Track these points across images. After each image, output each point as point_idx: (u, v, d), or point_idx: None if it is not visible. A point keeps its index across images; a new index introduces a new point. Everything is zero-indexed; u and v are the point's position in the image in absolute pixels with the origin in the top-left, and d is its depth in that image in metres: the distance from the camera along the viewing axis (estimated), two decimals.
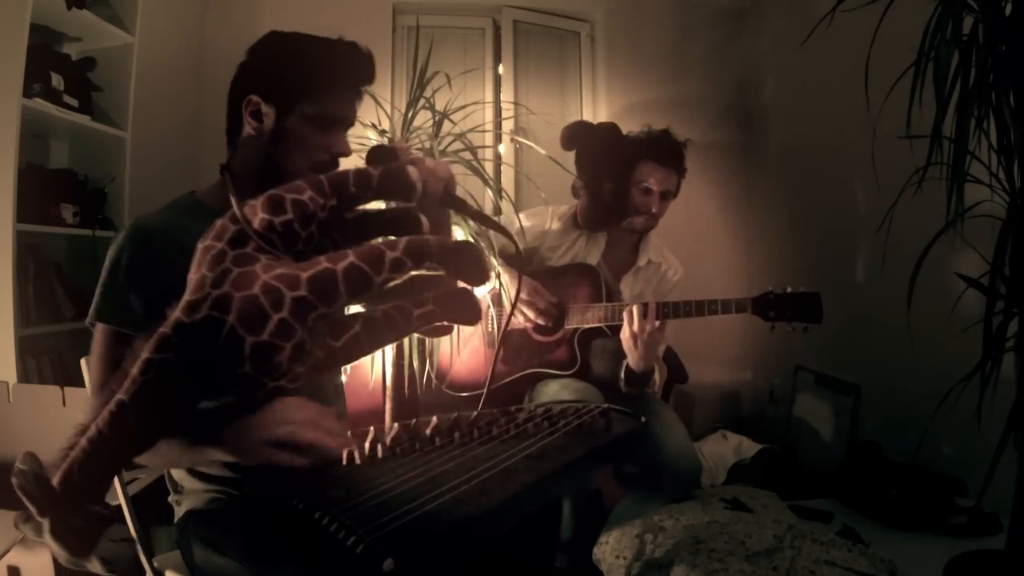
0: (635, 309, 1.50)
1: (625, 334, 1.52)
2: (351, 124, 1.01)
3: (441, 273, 0.70)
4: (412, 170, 0.75)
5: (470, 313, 0.74)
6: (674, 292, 1.82)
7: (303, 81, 0.96)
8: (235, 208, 0.70)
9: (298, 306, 0.62)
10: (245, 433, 0.77)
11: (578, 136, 1.77)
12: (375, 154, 0.94)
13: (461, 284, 0.82)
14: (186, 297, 0.64)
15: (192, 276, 0.67)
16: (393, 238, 0.70)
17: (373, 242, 0.68)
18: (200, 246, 0.69)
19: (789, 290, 1.46)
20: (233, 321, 0.61)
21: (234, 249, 0.67)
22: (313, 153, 0.97)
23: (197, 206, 1.00)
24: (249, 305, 0.62)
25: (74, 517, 0.56)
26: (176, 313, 0.63)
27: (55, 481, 0.57)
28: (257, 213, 0.69)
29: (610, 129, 1.78)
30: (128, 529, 0.59)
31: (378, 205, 0.82)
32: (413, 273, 0.68)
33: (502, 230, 0.84)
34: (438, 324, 0.74)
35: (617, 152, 1.73)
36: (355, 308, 0.77)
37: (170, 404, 0.61)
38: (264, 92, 0.96)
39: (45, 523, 0.55)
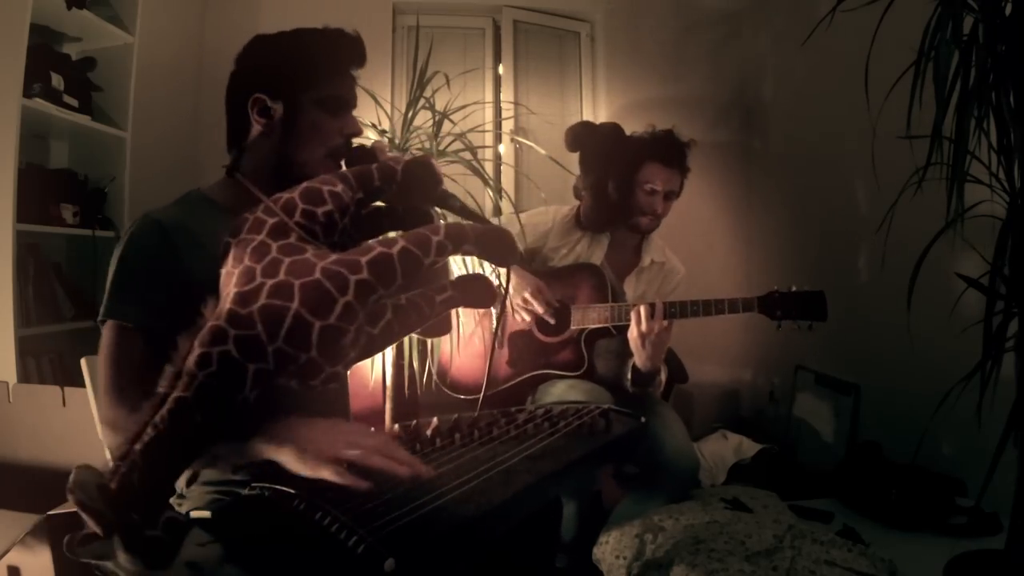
0: (643, 309, 1.50)
1: (633, 334, 1.52)
2: (355, 106, 1.02)
3: (447, 259, 0.72)
4: (436, 162, 0.77)
5: (487, 296, 0.77)
6: (677, 291, 1.82)
7: (306, 70, 0.96)
8: (268, 203, 0.71)
9: (361, 288, 0.64)
10: (312, 444, 0.73)
11: (582, 137, 1.77)
12: (353, 156, 0.94)
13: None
14: (234, 289, 0.64)
15: (230, 270, 0.67)
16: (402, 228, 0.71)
17: (415, 229, 0.70)
18: (232, 241, 0.69)
19: (794, 289, 1.47)
20: (298, 306, 0.62)
21: (276, 240, 0.68)
22: (328, 138, 0.97)
23: (207, 203, 1.00)
24: (314, 290, 0.62)
25: (150, 527, 0.53)
26: (226, 305, 0.63)
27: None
28: (298, 205, 0.70)
29: (614, 129, 1.78)
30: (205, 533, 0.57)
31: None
32: (450, 256, 0.70)
33: (487, 224, 0.85)
34: (436, 322, 0.75)
35: (621, 153, 1.73)
36: None
37: (234, 397, 0.61)
38: (268, 89, 0.96)
39: (116, 540, 0.52)
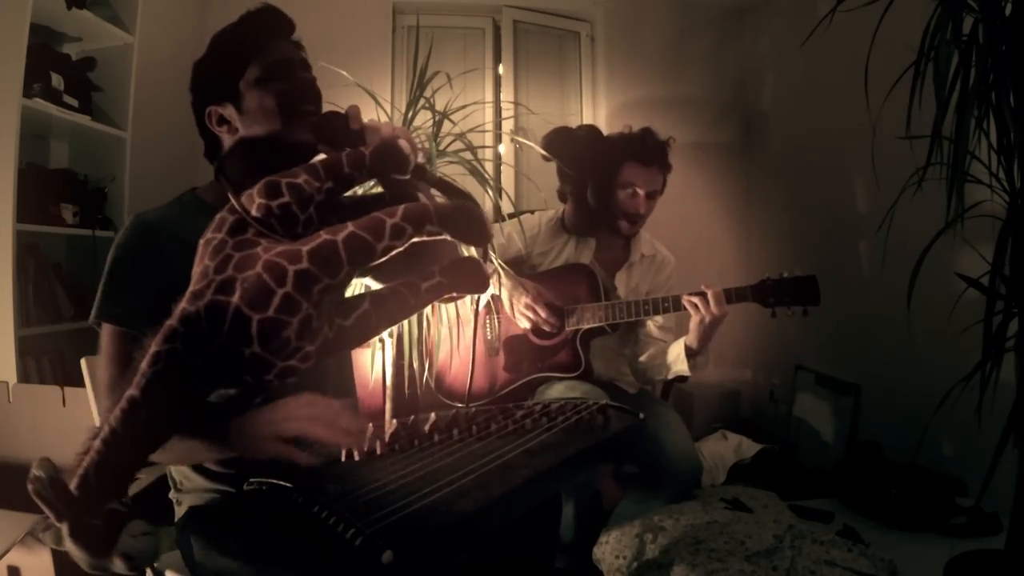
0: (711, 295, 1.49)
1: (703, 320, 1.51)
2: (307, 65, 1.00)
3: (444, 238, 0.70)
4: (404, 143, 0.76)
5: (478, 282, 0.74)
6: (670, 281, 1.81)
7: (232, 60, 0.96)
8: (232, 198, 0.71)
9: (301, 279, 0.63)
10: (251, 428, 0.76)
11: (558, 144, 1.74)
12: (324, 121, 0.91)
13: (466, 253, 0.81)
14: (190, 288, 0.65)
15: (195, 269, 0.67)
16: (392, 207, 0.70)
17: (371, 214, 0.68)
18: (201, 241, 0.69)
19: (785, 275, 1.47)
20: (238, 301, 0.62)
21: (234, 237, 0.68)
22: (285, 108, 0.94)
23: (197, 203, 1.01)
24: (253, 283, 0.62)
25: (92, 518, 0.56)
26: (181, 304, 0.64)
27: (72, 485, 0.57)
28: (255, 199, 0.70)
29: (590, 132, 1.77)
30: (147, 523, 0.60)
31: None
32: (415, 240, 0.68)
33: (466, 197, 0.84)
34: (469, 279, 0.74)
35: (599, 156, 1.72)
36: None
37: (181, 395, 0.62)
38: (214, 98, 0.97)
39: (64, 527, 0.55)
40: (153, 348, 0.61)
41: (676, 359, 1.62)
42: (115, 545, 0.57)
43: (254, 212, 0.69)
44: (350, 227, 0.66)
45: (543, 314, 1.65)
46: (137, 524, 0.59)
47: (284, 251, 0.64)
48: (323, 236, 0.65)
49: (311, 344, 0.64)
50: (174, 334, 0.61)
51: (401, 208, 0.68)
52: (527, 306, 1.66)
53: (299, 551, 0.65)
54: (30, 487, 0.55)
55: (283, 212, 0.70)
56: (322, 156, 0.89)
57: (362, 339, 0.70)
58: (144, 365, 0.61)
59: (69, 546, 0.55)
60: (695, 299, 1.51)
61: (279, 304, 0.62)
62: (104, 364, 0.92)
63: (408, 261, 0.71)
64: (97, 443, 0.59)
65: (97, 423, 0.92)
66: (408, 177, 0.79)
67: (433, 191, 0.95)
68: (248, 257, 0.64)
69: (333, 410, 0.77)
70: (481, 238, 0.72)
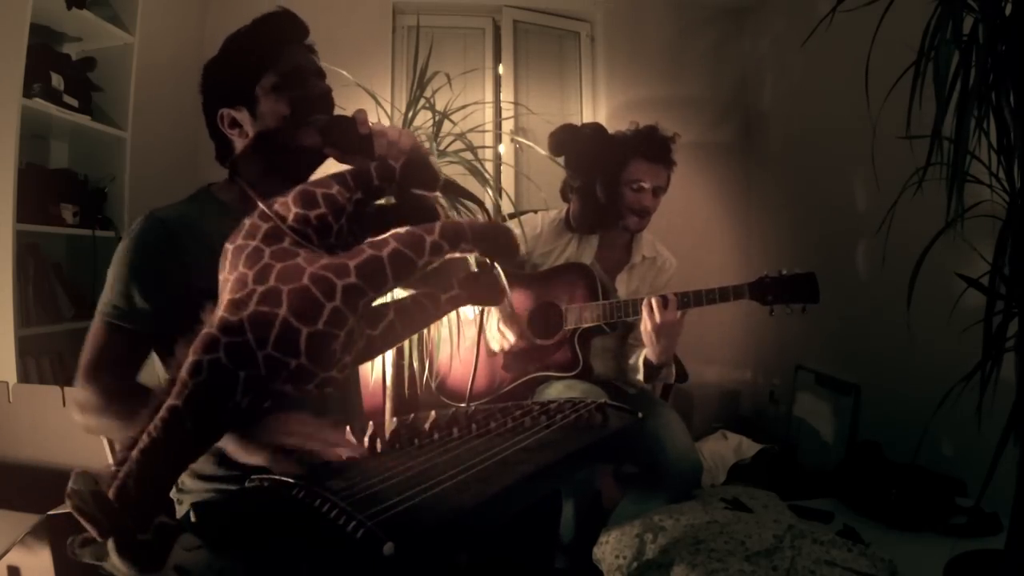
0: (654, 302, 1.49)
1: (647, 327, 1.51)
2: (321, 72, 1.01)
3: (463, 256, 0.71)
4: (434, 160, 0.77)
5: (494, 294, 0.76)
6: (670, 284, 1.81)
7: (248, 65, 0.97)
8: (263, 207, 0.71)
9: (350, 293, 0.63)
10: (257, 435, 0.78)
11: (566, 140, 1.76)
12: (331, 125, 0.93)
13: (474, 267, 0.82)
14: (227, 296, 0.64)
15: (227, 276, 0.67)
16: (427, 224, 0.71)
17: (409, 228, 0.69)
18: (230, 247, 0.69)
19: (784, 272, 1.46)
20: (285, 314, 0.62)
21: (270, 246, 0.68)
22: (298, 114, 0.95)
23: (215, 202, 1.01)
24: (301, 296, 0.62)
25: (142, 533, 0.55)
26: (220, 313, 0.63)
27: (110, 497, 0.55)
28: (291, 209, 0.70)
29: (596, 130, 1.78)
30: (196, 537, 0.60)
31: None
32: (447, 256, 0.69)
33: (472, 197, 0.85)
34: (485, 291, 0.74)
35: (606, 152, 1.73)
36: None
37: (225, 405, 0.61)
38: (228, 101, 0.97)
39: (110, 543, 0.53)
40: (193, 357, 0.60)
41: (638, 367, 1.64)
42: (166, 560, 0.56)
43: (291, 221, 0.70)
44: (393, 243, 0.66)
45: (513, 339, 1.63)
46: (188, 538, 0.58)
47: (330, 264, 0.64)
48: (368, 251, 0.65)
49: (350, 355, 0.65)
50: (215, 343, 0.61)
51: (439, 225, 0.69)
52: (500, 331, 1.64)
53: (301, 545, 0.65)
54: (69, 503, 0.53)
55: (320, 222, 0.70)
56: (333, 162, 0.89)
57: (386, 348, 0.71)
58: (184, 374, 0.60)
59: (115, 561, 0.54)
60: (652, 302, 1.51)
61: (328, 318, 0.62)
62: (88, 347, 0.92)
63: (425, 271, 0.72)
64: (135, 453, 0.57)
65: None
66: (436, 193, 0.79)
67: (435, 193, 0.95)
68: (290, 268, 0.64)
69: (319, 426, 0.82)
70: (511, 256, 0.75)
